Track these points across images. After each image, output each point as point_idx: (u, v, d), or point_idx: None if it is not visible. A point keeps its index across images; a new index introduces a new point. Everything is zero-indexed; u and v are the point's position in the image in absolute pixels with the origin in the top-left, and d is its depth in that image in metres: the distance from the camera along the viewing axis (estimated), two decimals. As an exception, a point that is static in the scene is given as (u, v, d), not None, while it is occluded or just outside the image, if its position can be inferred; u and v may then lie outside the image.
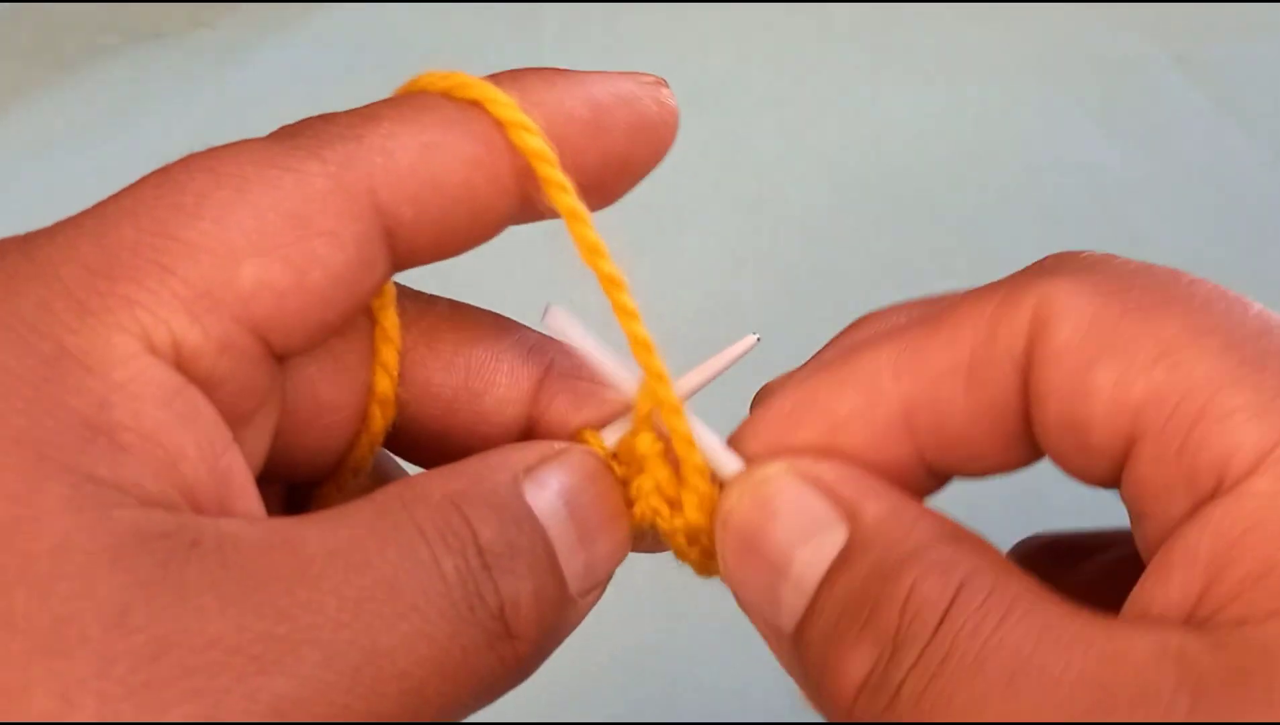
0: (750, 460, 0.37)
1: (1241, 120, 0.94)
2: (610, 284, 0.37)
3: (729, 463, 0.37)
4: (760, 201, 0.90)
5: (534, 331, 0.40)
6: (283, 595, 0.29)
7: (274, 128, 0.36)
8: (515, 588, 0.32)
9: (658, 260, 0.84)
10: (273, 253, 0.33)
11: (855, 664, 0.32)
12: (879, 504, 0.34)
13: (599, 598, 0.37)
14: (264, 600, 0.29)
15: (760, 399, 0.39)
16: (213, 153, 0.34)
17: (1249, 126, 0.94)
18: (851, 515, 0.34)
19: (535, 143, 0.35)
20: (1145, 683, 0.28)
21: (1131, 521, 0.34)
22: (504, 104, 0.35)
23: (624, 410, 0.39)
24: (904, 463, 0.36)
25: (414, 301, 0.39)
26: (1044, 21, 0.99)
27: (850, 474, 0.35)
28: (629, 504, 0.38)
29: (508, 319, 0.40)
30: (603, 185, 0.38)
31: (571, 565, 0.34)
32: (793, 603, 0.34)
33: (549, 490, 0.35)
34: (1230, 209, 0.90)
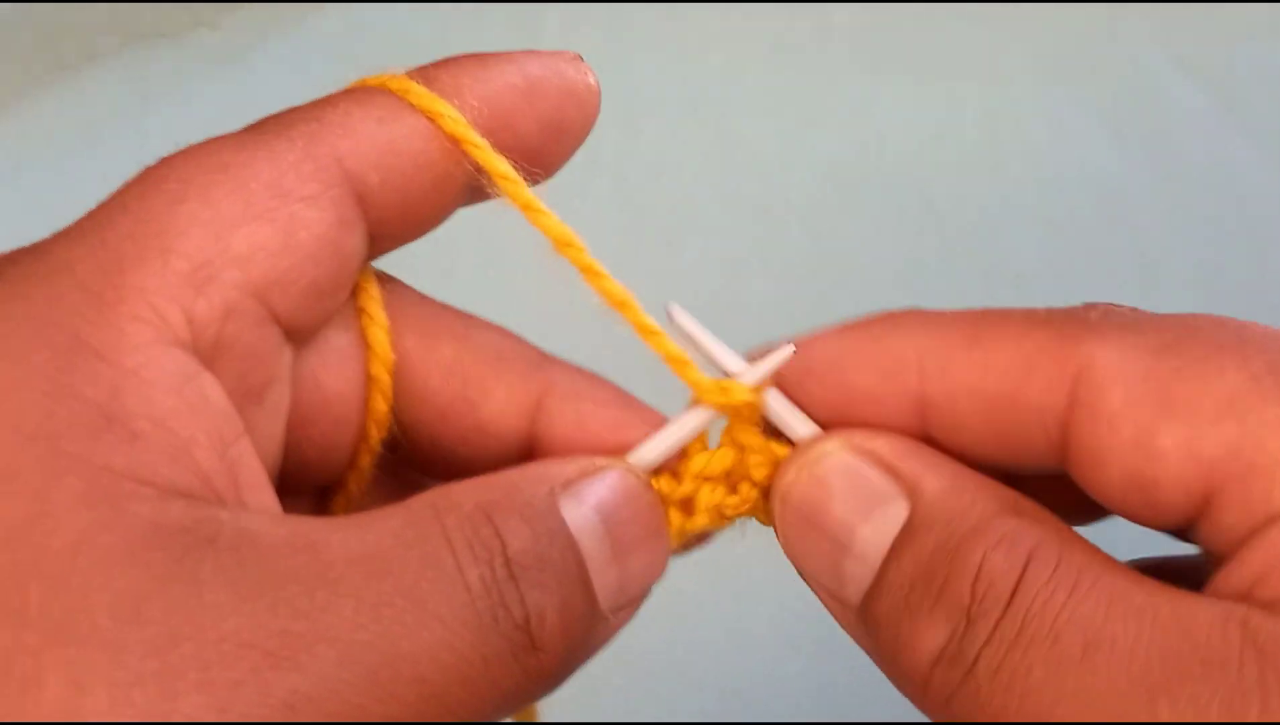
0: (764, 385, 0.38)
1: (1244, 123, 0.94)
2: (530, 210, 0.39)
3: (795, 422, 0.38)
4: (760, 202, 0.90)
5: (536, 348, 0.41)
6: (301, 596, 0.30)
7: (340, 90, 0.39)
8: (542, 600, 0.32)
9: (658, 260, 0.84)
10: (260, 219, 0.34)
11: (930, 638, 0.32)
12: (939, 478, 0.35)
13: (632, 614, 0.37)
14: (281, 599, 0.29)
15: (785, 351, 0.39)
16: (189, 148, 0.36)
17: (1251, 129, 0.94)
18: (912, 489, 0.35)
19: (466, 131, 0.37)
20: (1212, 649, 0.29)
21: (1210, 561, 0.35)
22: (430, 97, 0.37)
23: (638, 435, 0.39)
24: (911, 434, 0.37)
25: (413, 303, 0.40)
26: (1045, 23, 0.99)
27: (907, 448, 0.36)
28: (669, 522, 0.38)
29: (512, 335, 0.41)
30: (543, 151, 0.39)
31: (603, 581, 0.35)
32: (858, 576, 0.35)
33: (586, 505, 0.35)
34: (1233, 211, 0.90)
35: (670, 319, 0.39)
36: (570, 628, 0.33)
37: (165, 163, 0.35)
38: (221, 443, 0.33)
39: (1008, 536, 0.33)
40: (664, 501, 0.38)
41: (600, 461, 0.37)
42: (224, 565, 0.29)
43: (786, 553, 0.37)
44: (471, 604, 0.31)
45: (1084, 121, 0.95)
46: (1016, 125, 0.95)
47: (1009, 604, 0.32)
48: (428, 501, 0.33)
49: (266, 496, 0.35)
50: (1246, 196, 0.91)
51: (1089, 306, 0.37)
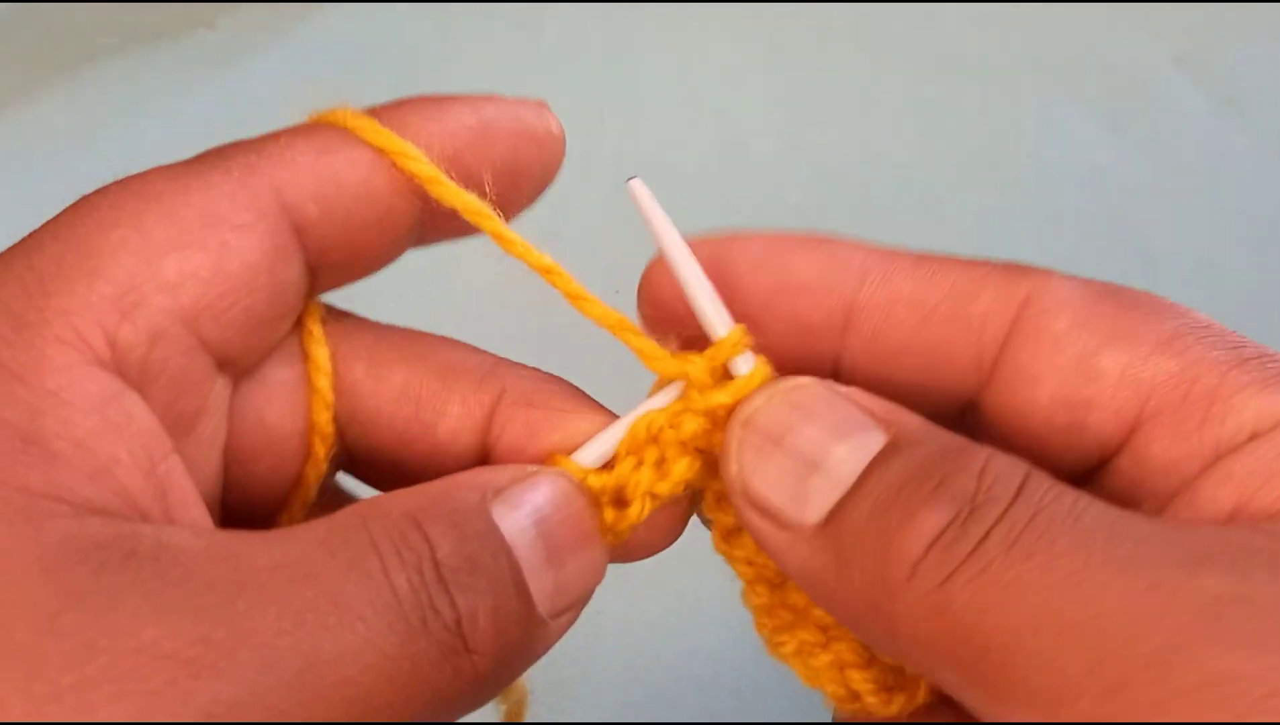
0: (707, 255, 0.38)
1: (1242, 120, 0.94)
2: (505, 242, 0.38)
3: (722, 323, 0.38)
4: (760, 202, 0.90)
5: (487, 355, 0.40)
6: (222, 604, 0.29)
7: (274, 128, 0.38)
8: (473, 603, 0.32)
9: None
10: (191, 246, 0.35)
11: (928, 521, 0.32)
12: (915, 418, 0.35)
13: (574, 619, 0.37)
14: (202, 607, 0.29)
15: (725, 238, 0.40)
16: (125, 178, 0.36)
17: (1250, 127, 0.94)
18: (891, 423, 0.35)
19: (422, 167, 0.37)
20: (1236, 540, 0.30)
21: (1113, 498, 0.35)
22: (379, 132, 0.37)
23: (583, 438, 0.39)
24: (825, 355, 0.38)
25: (361, 332, 0.40)
26: (1045, 23, 0.99)
27: (879, 398, 0.36)
28: (605, 527, 0.38)
29: (460, 344, 0.41)
30: (498, 196, 0.39)
31: (540, 585, 0.34)
32: (824, 491, 0.34)
33: (519, 511, 0.35)
34: (1232, 209, 0.90)
35: (629, 189, 0.39)
36: (504, 630, 0.33)
37: (100, 192, 0.36)
38: (148, 461, 0.33)
39: (1002, 452, 0.33)
40: (598, 501, 0.38)
41: (533, 468, 0.37)
42: (143, 577, 0.29)
43: (734, 480, 0.36)
44: (398, 607, 0.31)
45: (1083, 120, 0.95)
46: (1016, 124, 0.95)
47: (1018, 494, 0.31)
48: (354, 510, 0.33)
49: (198, 514, 0.34)
50: (1246, 195, 0.91)
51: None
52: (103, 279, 0.33)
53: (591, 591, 0.37)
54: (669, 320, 0.39)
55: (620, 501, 0.39)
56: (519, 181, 0.40)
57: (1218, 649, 0.27)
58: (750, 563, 0.39)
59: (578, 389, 0.40)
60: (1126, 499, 0.35)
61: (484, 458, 0.40)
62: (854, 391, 0.36)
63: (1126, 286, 0.36)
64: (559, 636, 0.36)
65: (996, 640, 0.30)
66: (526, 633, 0.34)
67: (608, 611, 0.72)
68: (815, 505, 0.34)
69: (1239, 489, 0.33)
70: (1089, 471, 0.36)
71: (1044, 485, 0.32)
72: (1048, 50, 0.98)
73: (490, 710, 0.45)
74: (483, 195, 0.38)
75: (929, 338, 0.37)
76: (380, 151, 0.37)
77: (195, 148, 0.38)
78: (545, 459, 0.38)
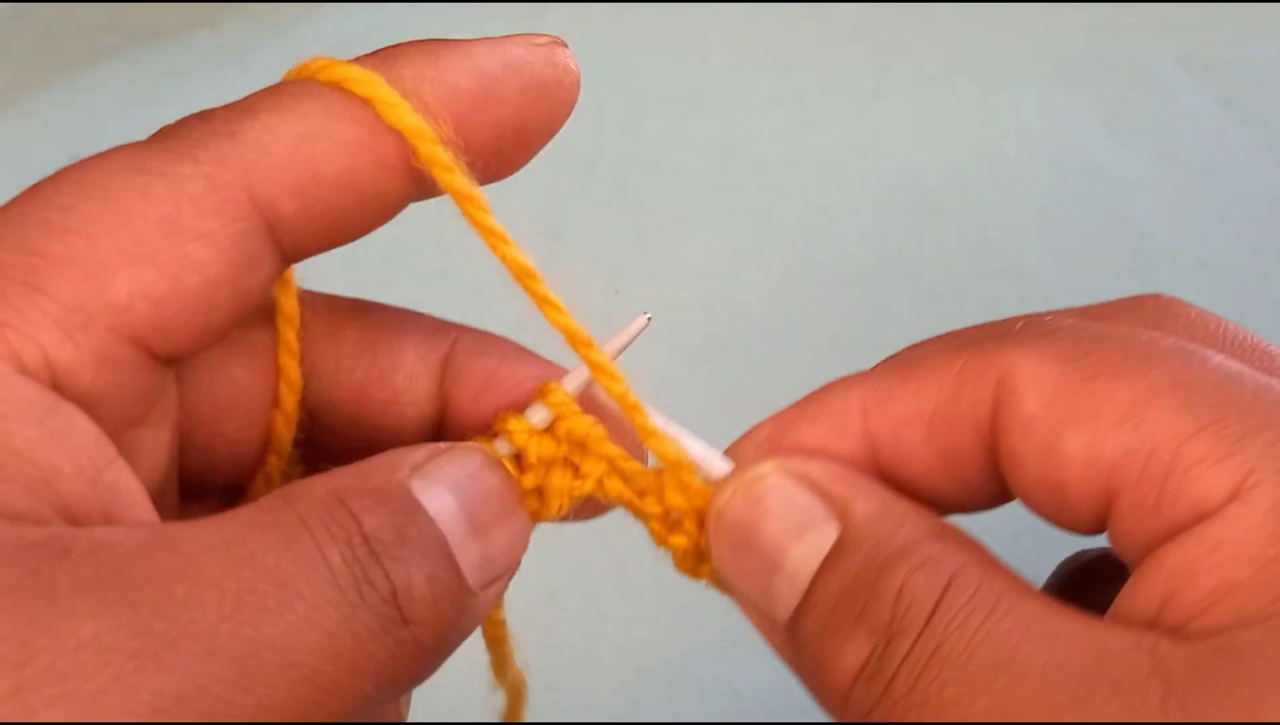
0: (737, 463, 0.38)
1: (1246, 121, 0.94)
2: (490, 235, 0.37)
3: (716, 463, 0.38)
4: (761, 202, 0.90)
5: (436, 318, 0.41)
6: (160, 593, 0.29)
7: (273, 87, 0.36)
8: (406, 573, 0.32)
9: (658, 260, 0.84)
10: (146, 261, 0.32)
11: (851, 654, 0.33)
12: (868, 502, 0.35)
13: (502, 590, 0.37)
14: (141, 599, 0.29)
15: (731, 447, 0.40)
16: (83, 163, 0.34)
17: (1254, 127, 0.94)
18: (842, 512, 0.35)
19: (411, 120, 0.34)
20: (1120, 674, 0.30)
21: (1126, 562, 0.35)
22: (372, 82, 0.34)
23: (532, 393, 0.39)
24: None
25: (318, 297, 0.40)
26: (1048, 23, 0.99)
27: (839, 472, 0.36)
28: (529, 495, 0.38)
29: (411, 310, 0.41)
30: (499, 155, 0.37)
31: (467, 557, 0.34)
32: (787, 595, 0.35)
33: (439, 485, 0.35)
34: (1235, 209, 0.90)
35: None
36: (440, 600, 0.33)
37: (53, 182, 0.33)
38: (93, 468, 0.32)
39: (931, 558, 0.33)
40: (544, 466, 0.38)
41: (445, 444, 0.36)
42: (80, 573, 0.29)
43: (720, 573, 0.38)
44: (334, 581, 0.31)
45: (1086, 120, 0.95)
46: (1018, 124, 0.94)
47: (927, 623, 0.32)
48: (278, 494, 0.33)
49: (148, 516, 0.34)
50: (1248, 194, 0.91)
51: (1014, 320, 0.38)
52: (43, 294, 0.31)
53: (518, 561, 0.37)
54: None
55: (573, 471, 0.39)
56: (522, 139, 0.37)
57: None
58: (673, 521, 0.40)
59: (528, 349, 0.41)
60: (1131, 563, 0.35)
61: (440, 408, 0.40)
62: (814, 468, 0.36)
63: (1107, 332, 0.35)
64: (489, 609, 0.36)
65: None
66: (460, 604, 0.34)
67: (609, 612, 0.72)
68: (780, 607, 0.35)
69: (1167, 581, 0.32)
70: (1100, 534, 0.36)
71: (957, 603, 0.32)
72: (1050, 50, 0.98)
73: (489, 708, 0.45)
74: (481, 155, 0.36)
75: (940, 447, 0.36)
76: (367, 103, 0.34)
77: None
78: (539, 387, 0.39)
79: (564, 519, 0.40)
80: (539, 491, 0.39)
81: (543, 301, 0.37)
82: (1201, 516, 0.32)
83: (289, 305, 0.38)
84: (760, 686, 0.67)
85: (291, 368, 0.39)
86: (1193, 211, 0.90)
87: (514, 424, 0.39)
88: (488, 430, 0.39)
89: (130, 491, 0.33)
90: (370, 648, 0.31)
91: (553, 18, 0.96)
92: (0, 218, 0.33)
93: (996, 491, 0.37)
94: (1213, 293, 0.85)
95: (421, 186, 0.36)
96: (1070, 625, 0.32)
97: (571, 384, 0.39)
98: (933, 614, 0.32)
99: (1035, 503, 0.36)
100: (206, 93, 0.93)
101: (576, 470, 0.39)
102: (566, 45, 0.38)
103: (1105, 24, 0.99)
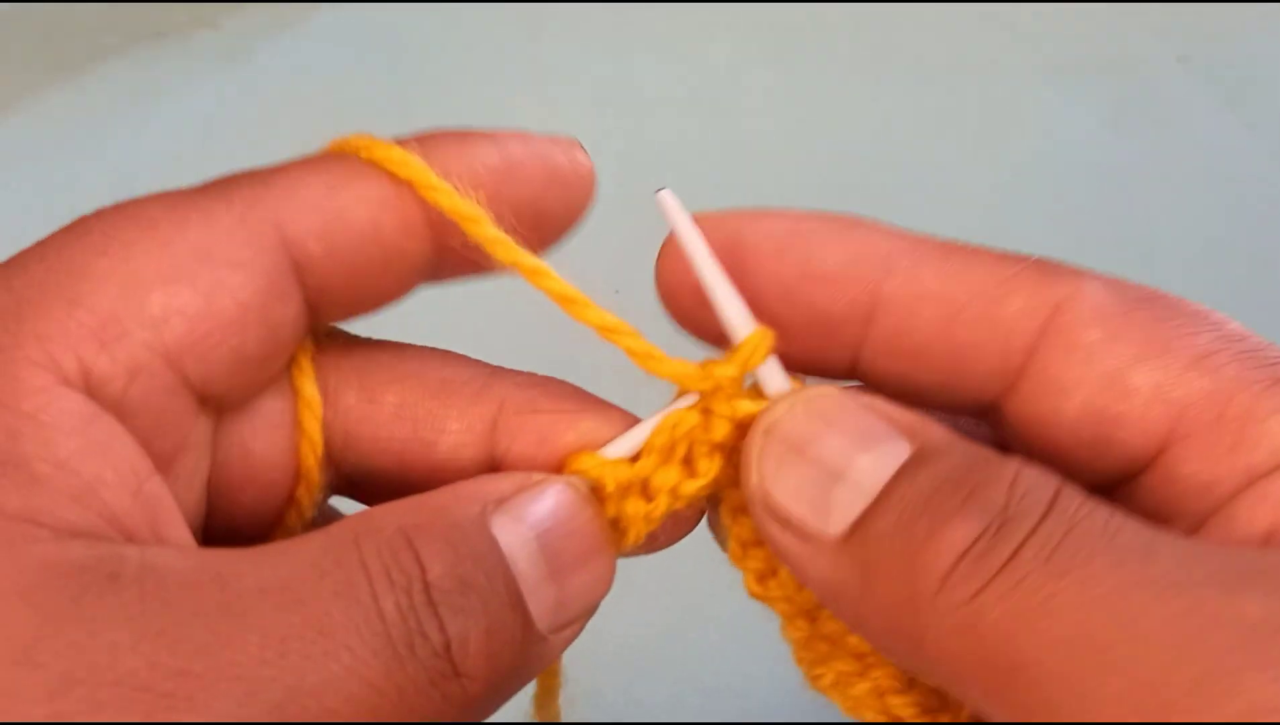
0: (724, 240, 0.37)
1: (1245, 118, 0.94)
2: (569, 303, 0.37)
3: (776, 379, 0.37)
4: (761, 201, 0.90)
5: (481, 365, 0.39)
6: (203, 630, 0.29)
7: (275, 128, 0.37)
8: (464, 625, 0.31)
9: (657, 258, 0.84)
10: (181, 281, 0.33)
11: (958, 533, 0.30)
12: (940, 429, 0.34)
13: (578, 632, 0.36)
14: (183, 636, 0.29)
15: (748, 215, 0.38)
16: (125, 201, 0.35)
17: (1252, 124, 0.94)
18: (914, 433, 0.34)
19: (456, 202, 0.36)
20: (1270, 563, 0.29)
21: (1141, 514, 0.34)
22: (411, 165, 0.36)
23: (595, 436, 0.37)
24: (845, 345, 0.37)
25: (349, 354, 0.39)
26: (1047, 21, 0.99)
27: (903, 409, 0.35)
28: (625, 523, 0.37)
29: (452, 355, 0.40)
30: (519, 238, 0.37)
31: (539, 600, 0.33)
32: (848, 504, 0.33)
33: (522, 523, 0.34)
34: (1234, 206, 0.90)
35: (657, 201, 0.38)
36: (497, 652, 0.32)
37: (96, 214, 0.34)
38: (135, 479, 0.32)
39: (1033, 465, 0.32)
40: (621, 493, 0.37)
41: (538, 476, 0.36)
42: (125, 602, 0.29)
43: (758, 491, 0.35)
44: (385, 633, 0.30)
45: (1087, 118, 0.95)
46: (1019, 122, 0.94)
47: (1050, 508, 0.30)
48: (349, 526, 0.32)
49: (185, 534, 0.34)
50: (1249, 192, 0.90)
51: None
52: (83, 308, 0.32)
53: (598, 604, 0.36)
54: (684, 306, 0.38)
55: (645, 496, 0.37)
56: (542, 223, 0.38)
57: (1261, 678, 0.26)
58: (768, 576, 0.38)
59: (579, 389, 0.39)
60: (1155, 515, 0.34)
61: (491, 465, 0.38)
62: (878, 401, 0.35)
63: (1161, 292, 0.35)
64: (562, 650, 0.35)
65: (1028, 659, 0.29)
66: (522, 651, 0.33)
67: (610, 612, 0.72)
68: (839, 516, 0.33)
69: (1275, 511, 0.32)
70: (1114, 484, 0.35)
71: (1077, 500, 0.31)
72: (1051, 48, 0.98)
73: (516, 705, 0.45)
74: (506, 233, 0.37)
75: (954, 338, 0.35)
76: (406, 184, 0.36)
77: (198, 148, 0.37)
78: (571, 457, 0.37)
79: (637, 552, 0.38)
80: (615, 522, 0.37)
81: (637, 355, 0.37)
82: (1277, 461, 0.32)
83: (309, 391, 0.38)
84: (761, 687, 0.67)
85: (311, 466, 0.38)
86: (1192, 208, 0.90)
87: (586, 458, 0.37)
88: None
89: (169, 508, 0.33)
90: (414, 701, 0.31)
91: (552, 18, 0.96)
92: (43, 243, 0.34)
93: (973, 410, 0.36)
94: (1213, 288, 0.84)
95: (438, 258, 0.37)
96: (1189, 542, 0.30)
97: (617, 450, 0.37)
98: (1054, 502, 0.30)
99: (1067, 436, 0.35)
100: (207, 93, 0.93)
101: (648, 497, 0.37)
102: (582, 146, 0.39)
103: (1105, 23, 0.99)
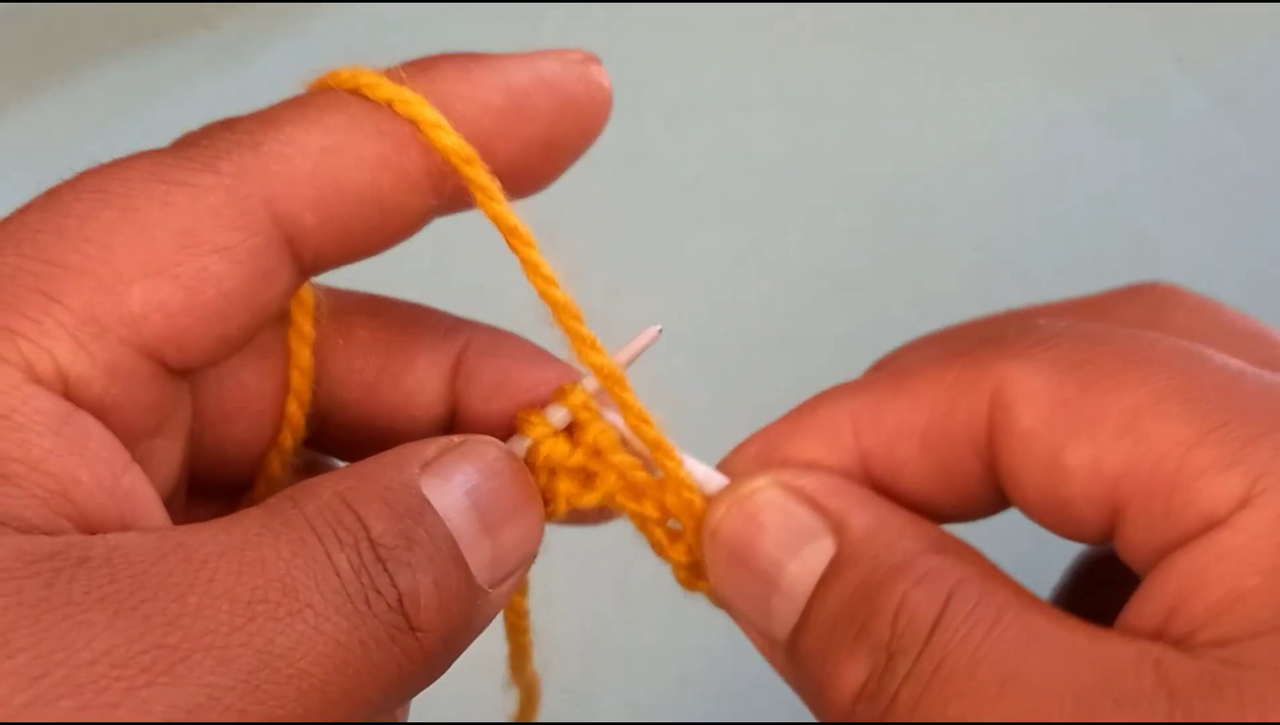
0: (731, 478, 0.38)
1: (1242, 120, 0.94)
2: (533, 271, 0.37)
3: (711, 478, 0.38)
4: (760, 202, 0.90)
5: (450, 315, 0.40)
6: (173, 603, 0.29)
7: (299, 97, 0.36)
8: (413, 580, 0.32)
9: (658, 260, 0.84)
10: (162, 273, 0.32)
11: (851, 674, 0.32)
12: (865, 515, 0.35)
13: (514, 587, 0.36)
14: (154, 610, 0.29)
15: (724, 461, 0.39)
16: (103, 170, 0.34)
17: (1249, 126, 0.94)
18: (838, 526, 0.35)
19: (452, 141, 0.34)
20: (1126, 685, 0.29)
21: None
22: (414, 102, 0.34)
23: (551, 394, 0.39)
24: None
25: (326, 293, 0.39)
26: (1046, 21, 0.99)
27: (835, 485, 0.36)
28: (542, 492, 0.38)
29: (423, 306, 0.40)
30: (527, 171, 0.37)
31: (476, 556, 0.34)
32: (785, 613, 0.35)
33: (450, 482, 0.34)
34: (1231, 209, 0.90)
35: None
36: (447, 605, 0.33)
37: (71, 187, 0.33)
38: (110, 476, 0.32)
39: (930, 573, 0.33)
40: (556, 467, 0.38)
41: (458, 438, 0.36)
42: (96, 583, 0.29)
43: (717, 590, 0.37)
44: (342, 589, 0.31)
45: (1083, 118, 0.95)
46: (1016, 122, 0.94)
47: (928, 640, 0.31)
48: (285, 494, 0.33)
49: (161, 521, 0.34)
50: (1246, 194, 0.91)
51: (1008, 322, 0.37)
52: (60, 305, 0.31)
53: (532, 557, 0.37)
54: None
55: (586, 479, 0.39)
56: (550, 155, 0.37)
57: None
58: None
59: (542, 348, 0.40)
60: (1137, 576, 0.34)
61: (451, 410, 0.39)
62: (809, 482, 0.36)
63: (1102, 336, 0.34)
64: (500, 607, 0.36)
65: None
66: (469, 606, 0.34)
67: (608, 612, 0.72)
68: (780, 623, 0.35)
69: (1175, 590, 0.31)
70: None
71: (958, 618, 0.31)
72: (1048, 48, 0.98)
73: (501, 709, 0.45)
74: (508, 174, 0.36)
75: (935, 461, 0.36)
76: (407, 123, 0.34)
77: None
78: (517, 417, 0.39)
79: (564, 522, 0.39)
80: (543, 492, 0.38)
81: (580, 340, 0.37)
82: (1210, 525, 0.31)
83: (306, 295, 0.38)
84: (759, 687, 0.67)
85: (305, 356, 0.38)
86: (1190, 209, 0.90)
87: (536, 419, 0.38)
88: (502, 431, 0.39)
89: (146, 498, 0.33)
90: (378, 656, 0.31)
91: (552, 17, 0.96)
92: (17, 222, 0.33)
93: (995, 501, 0.37)
94: (1209, 291, 0.84)
95: (443, 203, 0.36)
96: (1074, 637, 0.31)
97: (592, 385, 0.39)
98: (933, 631, 0.32)
99: (1039, 516, 0.35)
100: (207, 93, 0.93)
101: (585, 477, 0.39)
102: (600, 61, 0.37)
103: (1102, 22, 0.99)
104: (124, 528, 0.32)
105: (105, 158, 0.35)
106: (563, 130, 0.37)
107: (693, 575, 0.39)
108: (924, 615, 0.32)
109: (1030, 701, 0.30)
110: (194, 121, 0.36)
